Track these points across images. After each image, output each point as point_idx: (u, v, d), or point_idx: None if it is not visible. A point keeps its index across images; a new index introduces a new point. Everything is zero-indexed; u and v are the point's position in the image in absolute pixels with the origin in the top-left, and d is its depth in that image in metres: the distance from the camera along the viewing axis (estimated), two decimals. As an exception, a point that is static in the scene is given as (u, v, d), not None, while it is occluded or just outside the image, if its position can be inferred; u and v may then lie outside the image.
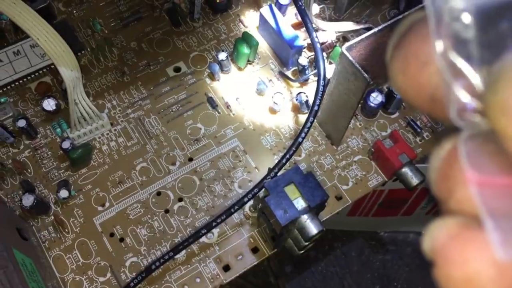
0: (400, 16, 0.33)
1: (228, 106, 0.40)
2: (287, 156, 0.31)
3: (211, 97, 0.40)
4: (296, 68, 0.41)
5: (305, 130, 0.31)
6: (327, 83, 0.35)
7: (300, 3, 0.35)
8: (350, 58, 0.31)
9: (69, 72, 0.34)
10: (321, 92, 0.32)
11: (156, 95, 0.41)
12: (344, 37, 0.42)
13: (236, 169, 0.38)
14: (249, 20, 0.44)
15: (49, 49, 0.33)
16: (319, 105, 0.32)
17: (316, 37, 0.34)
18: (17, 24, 0.32)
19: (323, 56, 0.34)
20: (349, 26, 0.41)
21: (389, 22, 0.33)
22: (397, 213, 0.55)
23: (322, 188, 0.29)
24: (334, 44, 0.41)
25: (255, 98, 0.41)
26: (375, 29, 0.33)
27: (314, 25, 0.38)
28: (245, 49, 0.40)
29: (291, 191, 0.30)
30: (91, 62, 0.41)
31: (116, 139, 0.39)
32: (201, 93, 0.41)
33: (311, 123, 0.32)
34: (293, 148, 0.31)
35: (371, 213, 0.52)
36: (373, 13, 0.45)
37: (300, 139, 0.31)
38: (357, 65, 0.31)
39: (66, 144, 0.36)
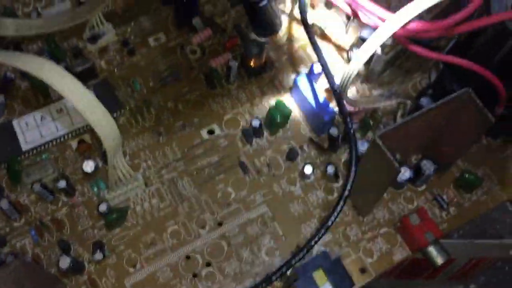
0: (432, 106, 0.34)
1: (258, 171, 0.41)
2: (316, 238, 0.32)
3: (242, 161, 0.42)
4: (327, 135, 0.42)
5: (335, 214, 0.32)
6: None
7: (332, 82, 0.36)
8: (383, 148, 0.32)
9: (111, 141, 0.36)
10: (352, 179, 0.33)
11: (190, 157, 0.42)
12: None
13: (264, 235, 0.39)
14: (283, 84, 0.45)
15: (94, 120, 0.34)
16: (350, 191, 0.33)
17: (351, 125, 0.35)
18: (65, 97, 0.34)
19: (355, 143, 0.35)
20: (379, 102, 0.42)
21: (421, 111, 0.34)
22: (420, 276, 0.56)
23: (349, 277, 0.30)
24: (364, 115, 0.42)
25: (286, 164, 0.42)
26: (408, 118, 0.34)
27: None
28: (278, 118, 0.41)
29: (319, 277, 0.31)
30: (130, 121, 0.43)
31: (149, 200, 0.40)
32: (233, 157, 0.42)
33: (342, 207, 0.33)
34: (322, 231, 0.32)
35: (393, 275, 0.53)
36: (404, 81, 0.45)
37: (329, 223, 0.32)
38: (390, 156, 0.32)
39: (103, 208, 0.37)
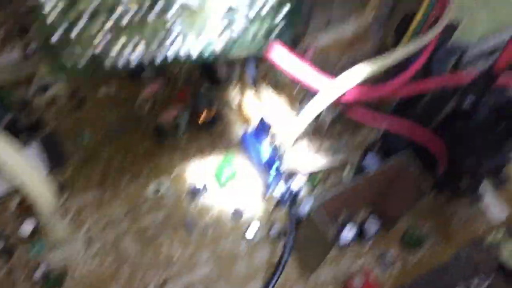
0: (370, 173, 0.35)
1: (204, 230, 0.41)
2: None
3: (188, 219, 0.41)
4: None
5: (275, 279, 0.32)
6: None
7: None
8: (317, 223, 0.32)
9: (48, 210, 0.35)
10: (287, 254, 0.33)
11: (135, 214, 0.41)
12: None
13: (207, 296, 0.39)
14: (233, 136, 0.45)
15: (29, 186, 0.33)
16: (286, 262, 0.33)
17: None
18: (4, 169, 0.33)
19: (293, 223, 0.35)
20: (323, 166, 0.42)
21: (360, 176, 0.34)
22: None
23: None
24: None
25: (232, 222, 0.41)
26: (347, 185, 0.34)
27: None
28: (224, 175, 0.41)
29: None
30: (75, 176, 0.42)
31: (91, 261, 0.39)
32: (179, 215, 0.42)
33: (279, 276, 0.33)
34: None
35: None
36: (353, 133, 0.46)
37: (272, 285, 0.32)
38: (324, 230, 0.32)
39: (39, 272, 0.37)
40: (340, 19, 0.49)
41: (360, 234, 0.40)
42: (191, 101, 0.45)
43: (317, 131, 0.44)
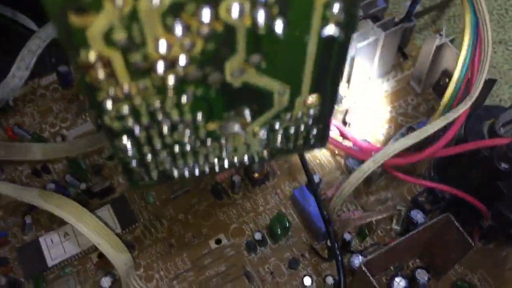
0: (414, 232, 0.37)
1: (263, 280, 0.44)
2: None
3: (248, 270, 0.45)
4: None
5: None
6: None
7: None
8: (368, 276, 0.35)
9: (124, 266, 0.39)
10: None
11: (199, 267, 0.45)
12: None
13: None
14: (285, 192, 0.48)
15: (109, 251, 0.38)
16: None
17: (338, 252, 0.37)
18: (81, 230, 0.38)
19: (343, 272, 0.38)
20: (371, 217, 0.44)
21: (404, 237, 0.37)
22: None
23: None
24: (359, 225, 0.45)
25: (288, 272, 0.45)
26: (392, 244, 0.36)
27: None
28: (278, 231, 0.44)
29: None
30: (144, 233, 0.47)
31: (162, 312, 0.44)
32: (239, 266, 0.45)
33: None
34: None
35: None
36: (398, 185, 0.48)
37: None
38: (375, 284, 0.34)
39: (118, 324, 0.41)
40: (381, 76, 0.52)
41: (411, 285, 0.42)
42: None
43: (365, 184, 0.47)
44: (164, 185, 0.49)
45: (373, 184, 0.47)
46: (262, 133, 0.21)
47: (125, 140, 0.19)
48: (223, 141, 0.21)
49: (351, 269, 0.42)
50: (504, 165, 0.35)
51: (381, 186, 0.48)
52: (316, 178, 0.45)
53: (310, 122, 0.21)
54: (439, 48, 0.46)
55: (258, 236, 0.44)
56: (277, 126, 0.21)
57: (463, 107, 0.35)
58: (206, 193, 0.49)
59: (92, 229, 0.38)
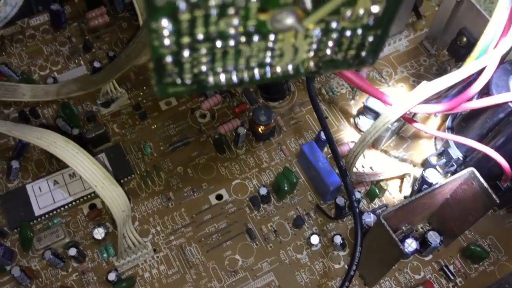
0: (435, 186, 0.35)
1: (266, 239, 0.42)
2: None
3: (250, 228, 0.42)
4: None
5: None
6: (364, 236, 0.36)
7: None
8: (388, 228, 0.33)
9: (121, 213, 0.36)
10: (357, 260, 0.33)
11: (198, 222, 0.43)
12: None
13: (270, 305, 0.39)
14: (291, 149, 0.46)
15: (105, 195, 0.35)
16: (355, 271, 0.34)
17: (356, 204, 0.35)
18: (78, 172, 0.35)
19: (361, 225, 0.35)
20: (384, 175, 0.42)
21: (425, 192, 0.35)
22: None
23: None
24: (370, 184, 0.43)
25: (293, 231, 0.42)
26: (412, 198, 0.34)
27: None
28: (285, 186, 0.42)
29: None
30: (140, 186, 0.44)
31: (158, 267, 0.41)
32: (241, 223, 0.43)
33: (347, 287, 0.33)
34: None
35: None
36: (410, 147, 0.46)
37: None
38: (395, 238, 0.32)
39: (112, 276, 0.38)
40: (393, 34, 0.50)
41: (422, 247, 0.40)
42: (249, 114, 0.47)
43: (378, 143, 0.44)
44: (163, 136, 0.46)
45: (383, 144, 0.45)
46: (316, 33, 0.18)
47: (166, 23, 0.16)
48: (271, 40, 0.18)
49: (362, 230, 0.40)
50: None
51: (391, 146, 0.46)
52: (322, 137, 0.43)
53: (371, 23, 0.18)
54: (459, 4, 0.44)
55: (263, 191, 0.42)
56: (334, 25, 0.18)
57: (498, 54, 0.33)
58: (208, 146, 0.46)
59: (89, 168, 0.34)
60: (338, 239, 0.41)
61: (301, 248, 0.42)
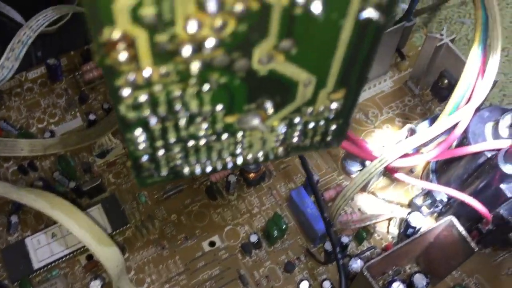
0: (416, 236, 0.36)
1: (258, 284, 0.43)
2: None
3: (242, 274, 0.44)
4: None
5: None
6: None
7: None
8: (370, 280, 0.34)
9: (115, 268, 0.38)
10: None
11: (192, 270, 0.44)
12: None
13: None
14: (281, 193, 0.47)
15: (100, 252, 0.37)
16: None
17: (339, 255, 0.37)
18: (71, 230, 0.36)
19: (346, 275, 0.37)
20: (371, 220, 0.44)
21: (406, 242, 0.36)
22: None
23: None
24: (358, 229, 0.44)
25: (284, 276, 0.43)
26: (393, 248, 0.36)
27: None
28: (275, 233, 0.43)
29: None
30: (135, 235, 0.45)
31: (153, 316, 0.42)
32: (233, 269, 0.44)
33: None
34: None
35: None
36: (397, 187, 0.47)
37: None
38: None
39: (108, 329, 0.39)
40: (378, 76, 0.52)
41: (408, 288, 0.41)
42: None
43: (363, 187, 0.46)
44: (157, 185, 0.47)
45: (371, 186, 0.46)
46: (281, 128, 0.20)
47: (139, 133, 0.18)
48: (239, 136, 0.20)
49: (349, 273, 0.41)
50: (508, 168, 0.34)
51: (379, 188, 0.47)
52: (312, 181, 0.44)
53: (331, 116, 0.20)
54: (439, 48, 0.46)
55: (254, 238, 0.43)
56: (297, 120, 0.20)
57: (471, 109, 0.34)
58: (200, 193, 0.47)
59: (83, 228, 0.36)
60: (327, 284, 0.42)
61: (292, 293, 0.43)
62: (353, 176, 0.47)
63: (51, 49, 0.54)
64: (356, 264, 0.41)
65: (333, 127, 0.21)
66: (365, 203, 0.46)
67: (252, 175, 0.46)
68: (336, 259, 0.36)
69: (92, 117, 0.48)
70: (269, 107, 0.18)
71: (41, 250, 0.44)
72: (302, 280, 0.42)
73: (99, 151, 0.47)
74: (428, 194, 0.45)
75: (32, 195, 0.36)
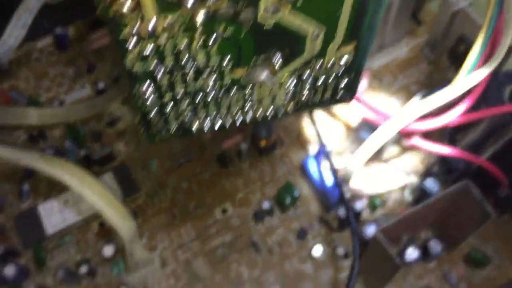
0: (430, 200, 0.36)
1: (270, 251, 0.43)
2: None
3: (255, 240, 0.43)
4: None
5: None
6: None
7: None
8: (383, 244, 0.33)
9: (126, 232, 0.38)
10: (355, 276, 0.34)
11: (204, 237, 0.44)
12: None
13: (276, 316, 0.41)
14: (293, 162, 0.47)
15: (113, 218, 0.36)
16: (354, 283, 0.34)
17: (353, 220, 0.36)
18: (84, 195, 0.36)
19: (358, 238, 0.36)
20: (384, 185, 0.43)
21: (421, 205, 0.35)
22: None
23: None
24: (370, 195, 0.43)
25: (297, 242, 0.43)
26: (408, 212, 0.35)
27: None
28: (287, 200, 0.43)
29: None
30: (146, 203, 0.45)
31: (167, 281, 0.42)
32: (246, 236, 0.44)
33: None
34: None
35: None
36: (411, 155, 0.46)
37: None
38: (390, 253, 0.33)
39: (121, 294, 0.40)
40: (393, 43, 0.50)
41: (424, 255, 0.41)
42: (251, 128, 0.47)
43: (377, 154, 0.45)
44: (167, 153, 0.47)
45: (385, 153, 0.45)
46: (290, 83, 0.19)
47: (147, 86, 0.17)
48: (248, 91, 0.19)
49: (363, 239, 0.41)
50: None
51: (393, 155, 0.46)
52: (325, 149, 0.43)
53: (341, 71, 0.19)
54: (456, 13, 0.44)
55: (266, 205, 0.43)
56: (306, 75, 0.19)
57: (486, 71, 0.33)
58: (211, 162, 0.47)
59: (96, 194, 0.36)
60: (340, 251, 0.41)
61: (305, 259, 0.43)
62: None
63: (59, 19, 0.53)
64: (371, 229, 0.41)
65: (344, 82, 0.20)
66: (380, 171, 0.45)
67: (263, 142, 0.45)
68: (350, 223, 0.36)
69: (100, 85, 0.47)
70: (277, 60, 0.17)
71: (54, 216, 0.44)
72: (315, 245, 0.42)
73: (109, 119, 0.47)
74: (444, 161, 0.44)
75: (43, 161, 0.36)
